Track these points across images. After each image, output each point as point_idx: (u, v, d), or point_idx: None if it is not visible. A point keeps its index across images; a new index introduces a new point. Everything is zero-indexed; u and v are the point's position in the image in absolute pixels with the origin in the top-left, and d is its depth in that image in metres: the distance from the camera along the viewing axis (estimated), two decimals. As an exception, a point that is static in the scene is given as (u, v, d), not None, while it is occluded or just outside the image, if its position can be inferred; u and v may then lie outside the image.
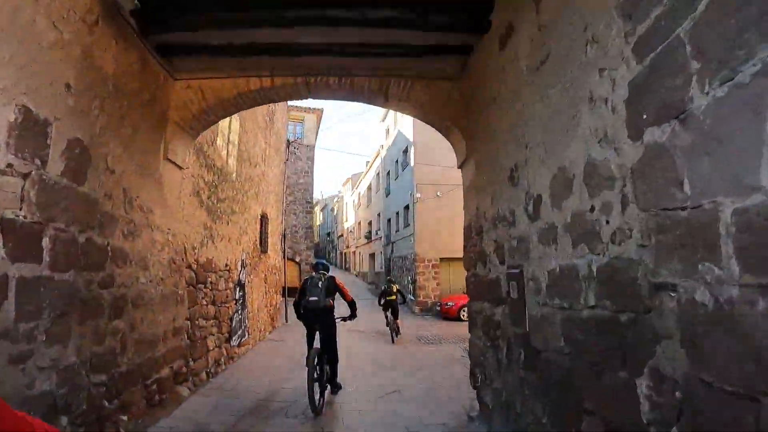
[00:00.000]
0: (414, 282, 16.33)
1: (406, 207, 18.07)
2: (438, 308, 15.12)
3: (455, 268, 16.79)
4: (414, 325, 13.47)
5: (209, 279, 5.88)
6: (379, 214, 24.84)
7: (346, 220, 38.23)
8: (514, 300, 3.05)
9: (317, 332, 4.72)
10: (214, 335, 6.06)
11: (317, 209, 56.50)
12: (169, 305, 4.56)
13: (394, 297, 10.36)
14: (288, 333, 11.15)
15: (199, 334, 5.46)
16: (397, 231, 19.63)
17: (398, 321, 10.16)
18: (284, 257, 12.94)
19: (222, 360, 6.50)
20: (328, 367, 4.70)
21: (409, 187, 17.33)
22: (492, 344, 3.57)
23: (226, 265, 6.73)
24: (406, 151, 18.30)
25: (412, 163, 16.95)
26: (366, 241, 28.30)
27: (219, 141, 6.54)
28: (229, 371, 6.50)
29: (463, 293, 16.55)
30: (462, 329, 13.02)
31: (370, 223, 27.88)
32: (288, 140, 13.40)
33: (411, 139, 17.04)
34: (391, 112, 21.59)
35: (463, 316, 14.07)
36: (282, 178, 12.56)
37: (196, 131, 4.86)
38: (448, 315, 14.30)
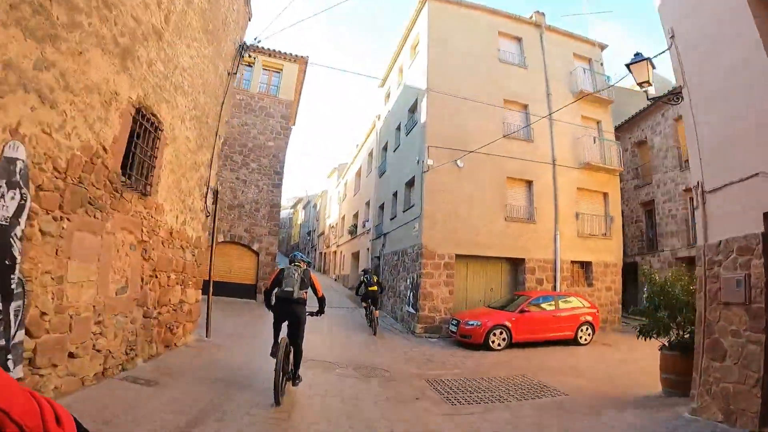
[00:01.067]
0: (417, 287, 11.14)
1: (410, 183, 13.07)
2: (452, 328, 9.98)
3: (476, 270, 11.73)
4: (418, 355, 8.36)
5: None
6: (368, 203, 19.74)
7: (329, 216, 32.92)
8: None
9: (285, 324, 4.63)
10: None
11: (299, 207, 51.22)
12: None
13: (375, 288, 10.41)
14: (198, 360, 5.81)
15: None
16: (393, 218, 14.53)
17: (377, 312, 10.31)
18: (213, 231, 7.78)
19: None
20: (292, 359, 4.61)
21: (415, 154, 12.38)
22: None
23: None
24: (413, 109, 13.38)
25: (423, 119, 11.99)
26: (349, 237, 23.09)
27: None
28: None
29: (487, 307, 10.40)
30: (503, 367, 7.12)
31: (356, 215, 22.70)
32: (244, 44, 8.34)
33: (423, 87, 12.16)
34: (395, 70, 16.68)
35: (494, 343, 9.06)
36: (222, 92, 7.48)
37: None
38: (467, 340, 9.23)
